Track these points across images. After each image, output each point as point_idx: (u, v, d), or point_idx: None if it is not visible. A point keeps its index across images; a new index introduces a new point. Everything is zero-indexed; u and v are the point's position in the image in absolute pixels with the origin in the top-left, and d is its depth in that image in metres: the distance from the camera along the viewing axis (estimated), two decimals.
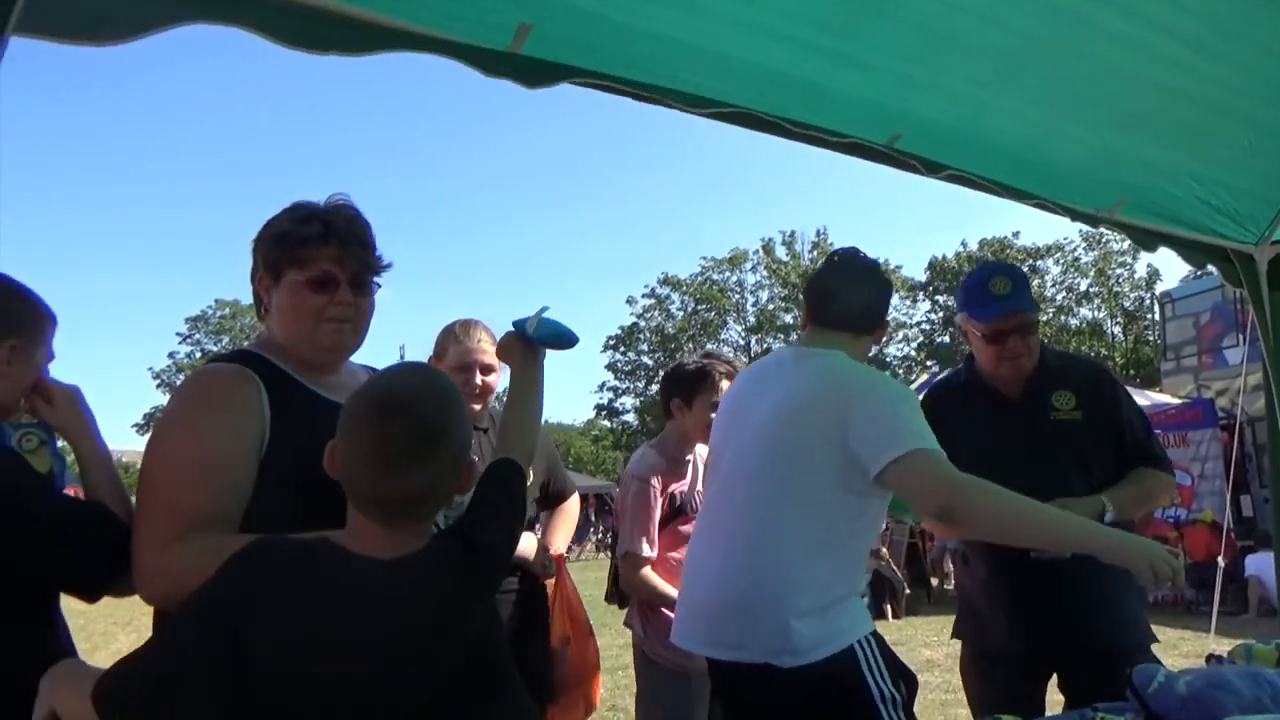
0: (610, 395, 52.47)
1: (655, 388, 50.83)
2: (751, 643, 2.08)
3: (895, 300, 49.68)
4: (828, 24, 2.42)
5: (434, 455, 1.31)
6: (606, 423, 53.05)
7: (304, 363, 1.72)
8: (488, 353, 2.69)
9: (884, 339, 2.45)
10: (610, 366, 52.28)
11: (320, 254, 1.67)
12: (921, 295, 50.06)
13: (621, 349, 52.25)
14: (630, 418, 52.88)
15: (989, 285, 2.63)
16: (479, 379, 2.68)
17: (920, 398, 2.40)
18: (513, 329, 1.88)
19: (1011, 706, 2.28)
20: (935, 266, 49.08)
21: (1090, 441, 2.62)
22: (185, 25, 1.88)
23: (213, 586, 1.27)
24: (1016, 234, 46.30)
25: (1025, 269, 46.36)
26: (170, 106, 70.10)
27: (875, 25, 2.45)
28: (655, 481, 3.08)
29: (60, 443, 1.83)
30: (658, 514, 3.07)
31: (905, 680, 2.07)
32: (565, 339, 1.85)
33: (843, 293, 2.35)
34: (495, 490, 1.52)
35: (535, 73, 2.37)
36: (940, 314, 49.44)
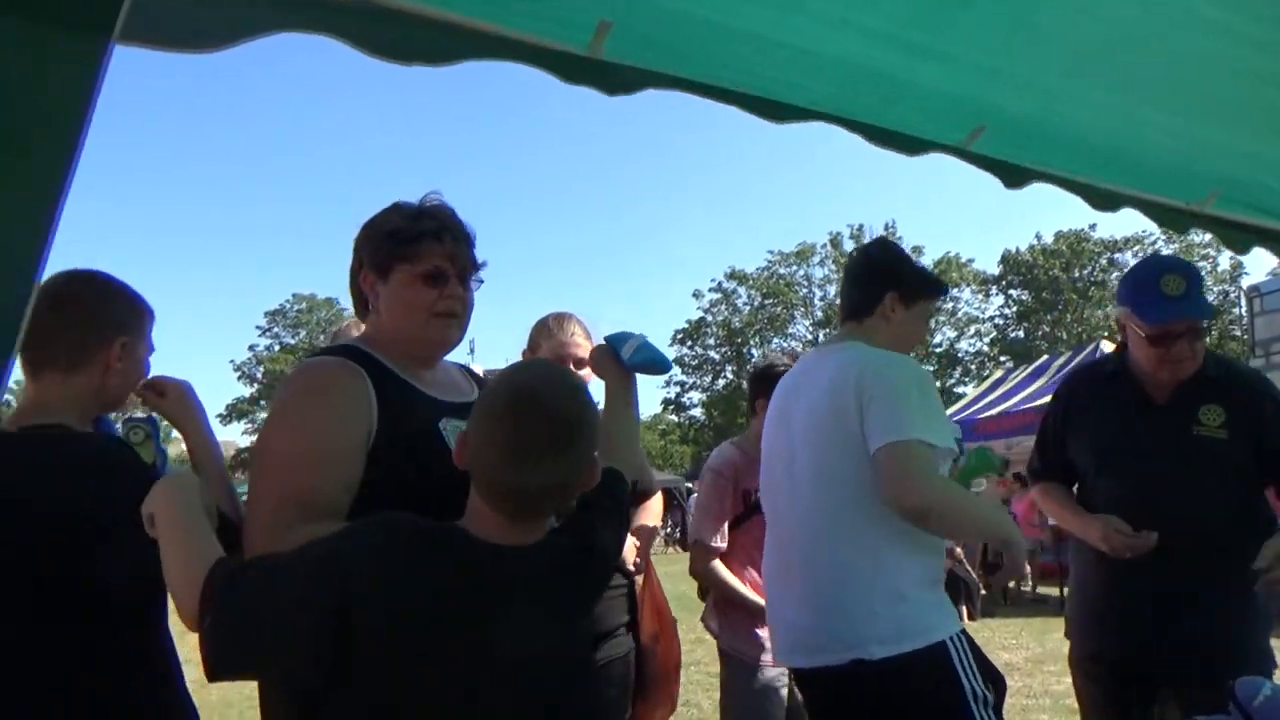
0: (677, 389, 52.55)
1: (723, 382, 51.16)
2: (833, 643, 2.08)
3: (966, 294, 49.05)
4: (910, 16, 2.37)
5: (570, 452, 1.35)
6: (674, 417, 53.14)
7: (408, 358, 1.76)
8: (582, 346, 2.68)
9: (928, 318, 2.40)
10: (677, 361, 52.36)
11: (432, 250, 1.72)
12: (994, 289, 48.99)
13: (689, 343, 52.25)
14: (697, 412, 52.91)
15: (1161, 283, 2.48)
16: None
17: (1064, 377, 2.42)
18: (605, 343, 1.92)
19: (1115, 712, 2.23)
20: (1008, 260, 48.04)
21: (1234, 462, 2.46)
22: (276, 34, 1.91)
23: (336, 538, 1.32)
24: (1093, 226, 45.11)
25: (1104, 262, 44.57)
26: (248, 106, 72.17)
27: (958, 16, 2.39)
28: (727, 473, 3.14)
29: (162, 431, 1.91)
30: (729, 506, 3.12)
31: (994, 682, 2.05)
32: (659, 366, 1.90)
33: (842, 286, 2.47)
34: (603, 496, 1.53)
35: (616, 79, 2.37)
36: (1014, 308, 48.28)
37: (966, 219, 76.60)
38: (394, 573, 1.28)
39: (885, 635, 2.00)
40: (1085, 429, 2.69)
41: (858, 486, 2.09)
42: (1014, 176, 3.15)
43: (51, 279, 1.68)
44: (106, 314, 1.75)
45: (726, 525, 3.11)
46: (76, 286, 1.75)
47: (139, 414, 1.87)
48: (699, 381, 52.64)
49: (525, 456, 1.32)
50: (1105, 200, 3.39)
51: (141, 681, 1.68)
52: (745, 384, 3.39)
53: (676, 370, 52.24)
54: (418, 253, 1.71)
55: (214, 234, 77.59)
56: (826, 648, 2.09)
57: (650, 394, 54.69)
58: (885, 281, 2.35)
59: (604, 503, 1.52)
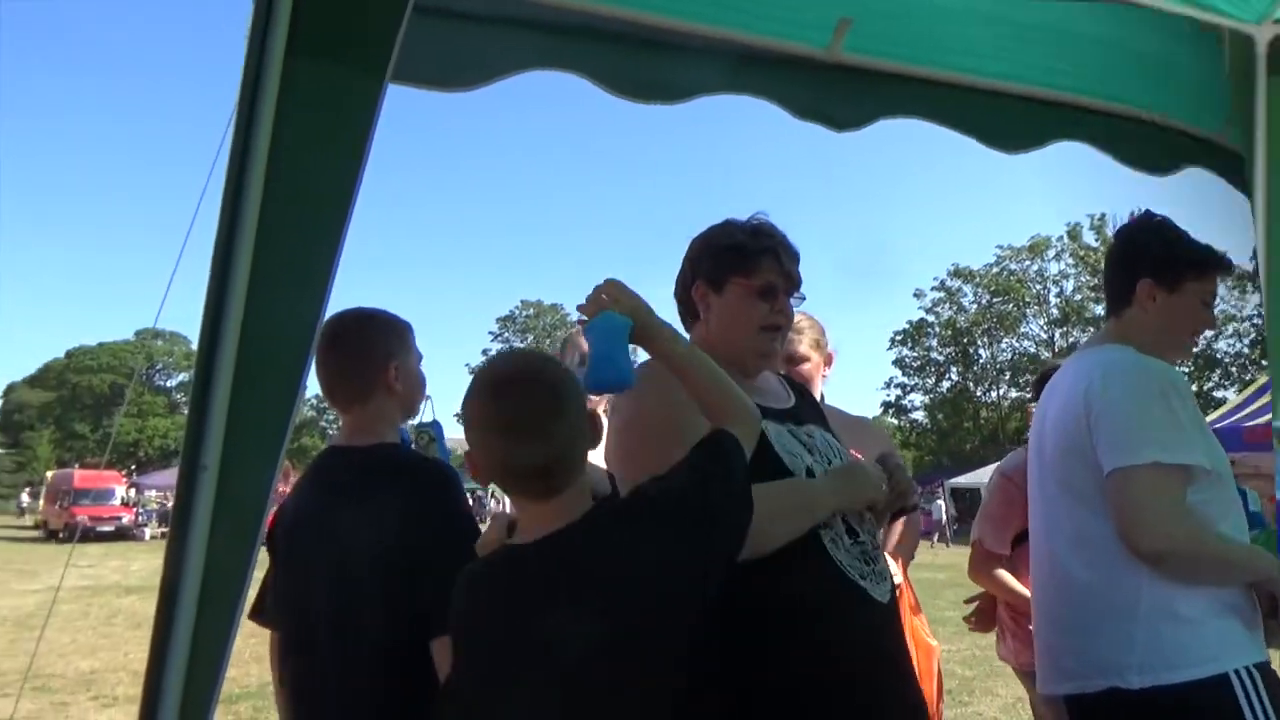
0: (898, 392, 50.89)
1: (947, 384, 48.89)
2: (1087, 669, 1.91)
3: (1221, 291, 43.32)
4: None
5: (564, 417, 1.33)
6: (894, 420, 51.31)
7: (733, 367, 1.75)
8: (794, 341, 2.64)
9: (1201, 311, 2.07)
10: (898, 362, 50.64)
11: (769, 266, 1.78)
12: (1250, 286, 43.97)
13: (909, 344, 50.43)
14: (919, 415, 50.93)
15: None
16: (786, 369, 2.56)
17: None
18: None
19: None
20: None
21: None
22: (528, 72, 2.06)
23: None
24: None
25: None
26: (492, 135, 77.04)
27: None
28: (1014, 478, 2.98)
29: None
30: (1016, 511, 2.94)
31: None
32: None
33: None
34: (700, 455, 1.45)
35: (846, 112, 2.35)
36: None
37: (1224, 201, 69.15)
38: (481, 617, 1.36)
39: (1146, 662, 1.80)
40: None
41: (1105, 502, 1.89)
42: None
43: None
44: (371, 349, 1.89)
45: (1011, 532, 3.02)
46: (342, 331, 1.90)
47: (425, 420, 2.02)
48: (921, 383, 50.68)
49: (517, 427, 1.31)
50: None
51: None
52: (971, 385, 3.21)
53: (897, 372, 50.45)
54: (756, 268, 1.78)
55: (453, 240, 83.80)
56: (1080, 673, 1.92)
57: (868, 396, 52.82)
58: (1136, 267, 2.10)
59: (698, 462, 1.43)
